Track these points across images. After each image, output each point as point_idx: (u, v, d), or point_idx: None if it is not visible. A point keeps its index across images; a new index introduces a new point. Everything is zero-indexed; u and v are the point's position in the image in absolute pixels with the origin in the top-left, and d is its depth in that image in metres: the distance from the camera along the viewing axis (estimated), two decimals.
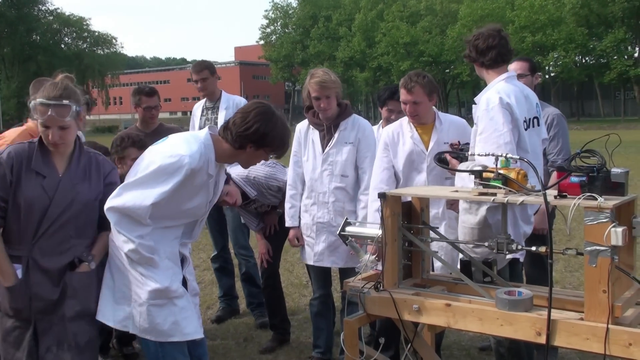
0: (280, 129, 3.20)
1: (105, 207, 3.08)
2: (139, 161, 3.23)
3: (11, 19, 69.71)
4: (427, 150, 4.15)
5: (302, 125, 4.66)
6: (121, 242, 3.09)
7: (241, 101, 5.88)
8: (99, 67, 76.18)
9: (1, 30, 70.72)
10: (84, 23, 78.30)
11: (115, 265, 3.20)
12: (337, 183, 4.45)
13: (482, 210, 3.21)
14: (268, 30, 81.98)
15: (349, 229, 3.50)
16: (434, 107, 4.24)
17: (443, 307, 2.93)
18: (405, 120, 4.28)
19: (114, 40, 79.92)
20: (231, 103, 5.80)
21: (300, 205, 4.63)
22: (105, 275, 3.25)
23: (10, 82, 74.80)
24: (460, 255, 3.34)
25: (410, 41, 63.88)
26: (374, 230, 3.38)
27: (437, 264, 3.95)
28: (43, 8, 76.14)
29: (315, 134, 4.54)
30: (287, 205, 4.67)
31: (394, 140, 4.27)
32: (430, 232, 3.39)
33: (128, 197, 3.05)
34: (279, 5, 78.58)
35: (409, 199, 3.34)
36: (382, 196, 3.16)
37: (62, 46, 77.24)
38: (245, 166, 3.47)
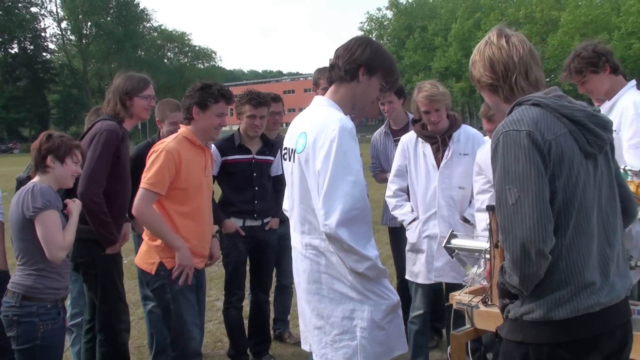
0: (384, 50, 2.95)
1: (327, 230, 2.66)
2: (296, 173, 2.90)
3: (119, 36, 73.32)
4: None
5: (408, 138, 4.62)
6: (352, 263, 2.73)
7: None
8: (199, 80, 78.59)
9: (109, 46, 74.52)
10: (186, 38, 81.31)
11: (326, 300, 2.88)
12: (455, 195, 4.40)
13: None
14: None
15: (454, 241, 3.42)
16: None
17: None
18: None
19: (213, 54, 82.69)
20: None
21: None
22: (307, 318, 2.98)
23: None
24: None
25: None
26: (481, 243, 3.29)
27: None
28: (148, 25, 79.75)
29: (427, 147, 4.49)
30: (399, 211, 4.62)
31: None
32: None
33: (339, 201, 2.64)
34: (374, 17, 78.71)
35: None
36: (490, 209, 3.08)
37: (165, 61, 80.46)
38: (361, 111, 3.05)
